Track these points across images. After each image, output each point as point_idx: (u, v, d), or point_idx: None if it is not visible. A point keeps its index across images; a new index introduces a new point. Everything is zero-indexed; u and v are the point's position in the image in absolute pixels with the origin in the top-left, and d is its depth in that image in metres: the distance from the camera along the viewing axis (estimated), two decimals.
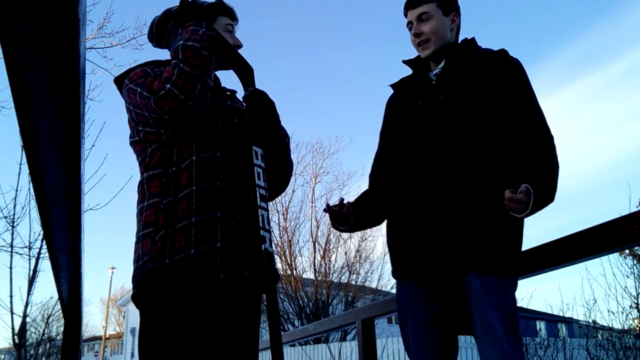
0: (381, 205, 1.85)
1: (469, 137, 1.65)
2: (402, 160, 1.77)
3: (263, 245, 1.40)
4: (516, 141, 1.64)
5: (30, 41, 0.61)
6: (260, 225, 1.42)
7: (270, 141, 1.60)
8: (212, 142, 1.47)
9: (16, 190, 4.48)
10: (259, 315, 1.50)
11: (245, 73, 1.61)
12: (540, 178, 1.55)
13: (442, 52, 1.79)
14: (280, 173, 1.65)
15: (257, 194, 1.45)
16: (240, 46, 1.66)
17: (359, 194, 1.93)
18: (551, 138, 1.65)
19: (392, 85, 1.94)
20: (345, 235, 13.83)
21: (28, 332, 5.98)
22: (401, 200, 1.74)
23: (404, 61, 1.90)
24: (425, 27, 1.77)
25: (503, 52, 1.76)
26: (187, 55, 1.38)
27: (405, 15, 1.85)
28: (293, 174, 1.76)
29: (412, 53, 1.88)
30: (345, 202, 1.79)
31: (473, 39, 1.84)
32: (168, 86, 1.35)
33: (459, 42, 1.83)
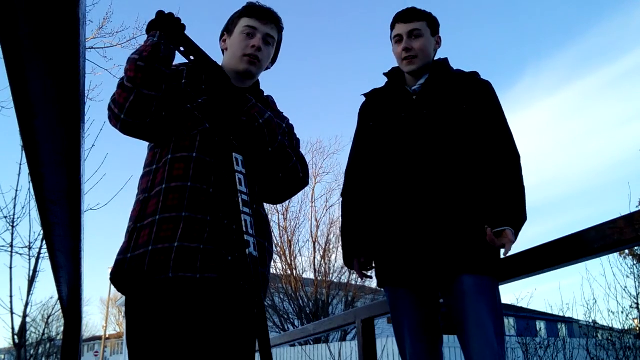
0: (366, 221, 1.89)
1: (452, 150, 1.74)
2: (387, 171, 1.82)
3: (247, 250, 1.37)
4: (490, 159, 1.76)
5: (30, 41, 0.60)
6: (244, 230, 1.39)
7: (259, 156, 1.52)
8: (191, 142, 1.46)
9: (16, 190, 4.48)
10: (225, 323, 1.39)
11: (216, 78, 1.53)
12: (515, 213, 1.65)
13: (424, 69, 1.88)
14: (278, 181, 1.57)
15: (239, 199, 1.41)
16: (255, 47, 1.57)
17: (352, 231, 1.90)
18: (518, 159, 1.78)
19: (365, 95, 2.01)
20: None
21: (28, 332, 5.97)
22: (388, 210, 1.78)
23: (384, 74, 1.99)
24: (416, 43, 1.85)
25: (476, 75, 1.88)
26: (126, 69, 1.40)
27: (393, 27, 1.89)
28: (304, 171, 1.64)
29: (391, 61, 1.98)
30: (362, 260, 1.86)
31: (446, 59, 1.94)
32: (109, 102, 1.42)
33: (435, 60, 1.93)
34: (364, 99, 2.02)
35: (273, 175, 1.54)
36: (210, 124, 1.49)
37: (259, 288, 1.35)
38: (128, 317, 1.41)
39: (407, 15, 1.86)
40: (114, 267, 1.44)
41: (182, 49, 1.49)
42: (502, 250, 1.61)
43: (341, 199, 1.99)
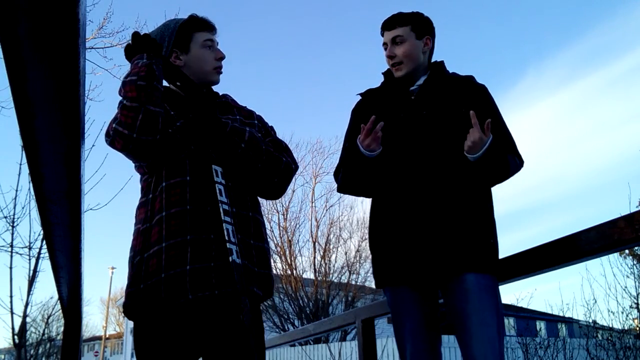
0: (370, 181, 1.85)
1: (453, 150, 1.74)
2: (386, 171, 1.81)
3: (230, 258, 1.41)
4: None
5: (30, 41, 0.60)
6: (226, 238, 1.43)
7: (252, 175, 1.56)
8: (181, 166, 1.49)
9: (16, 190, 4.49)
10: (241, 323, 1.43)
11: (194, 100, 1.58)
12: (502, 143, 1.70)
13: (416, 72, 1.88)
14: (275, 184, 1.61)
15: (220, 209, 1.45)
16: (222, 58, 1.66)
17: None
18: (521, 165, 1.80)
19: (361, 94, 2.01)
20: (345, 235, 13.82)
21: (28, 332, 5.98)
22: (389, 209, 1.78)
23: (383, 73, 1.99)
24: (399, 50, 1.86)
25: (472, 78, 1.89)
26: (126, 90, 1.42)
27: (382, 35, 1.92)
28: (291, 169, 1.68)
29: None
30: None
31: (442, 62, 1.94)
32: (114, 126, 1.41)
33: (431, 62, 1.93)
34: (359, 98, 2.02)
35: (269, 182, 1.60)
36: (194, 145, 1.52)
37: (244, 295, 1.39)
38: (141, 344, 1.44)
39: (389, 23, 1.87)
40: (127, 299, 1.48)
41: (160, 66, 1.53)
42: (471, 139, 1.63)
43: (338, 186, 1.96)
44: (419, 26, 1.87)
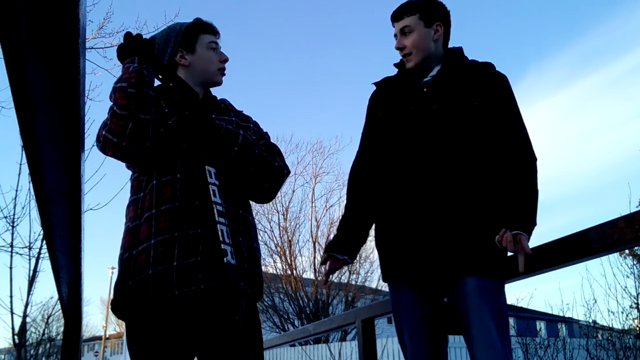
0: (366, 217, 1.88)
1: (462, 148, 1.70)
2: (395, 166, 1.79)
3: (225, 259, 1.41)
4: (504, 160, 1.71)
5: (30, 41, 0.61)
6: (220, 239, 1.43)
7: (243, 178, 1.58)
8: (172, 164, 1.50)
9: (16, 190, 4.50)
10: (236, 323, 1.43)
11: (188, 101, 1.59)
12: (528, 218, 1.61)
13: (428, 62, 1.83)
14: (266, 188, 1.63)
15: (215, 210, 1.46)
16: (226, 60, 1.69)
17: (342, 222, 1.91)
18: (535, 162, 1.72)
19: (376, 84, 1.96)
20: None
21: (28, 332, 5.98)
22: (395, 206, 1.76)
23: (395, 64, 1.93)
24: (407, 40, 1.81)
25: (491, 67, 1.81)
26: (116, 97, 1.42)
27: (393, 27, 1.88)
28: (289, 173, 1.71)
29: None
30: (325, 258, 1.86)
31: (460, 48, 1.88)
32: (104, 132, 1.42)
33: (448, 49, 1.87)
34: (374, 88, 1.97)
35: (260, 186, 1.61)
36: (186, 143, 1.52)
37: (238, 295, 1.40)
38: (133, 343, 1.44)
39: (397, 13, 1.84)
40: (115, 297, 1.48)
41: (150, 69, 1.53)
42: (519, 260, 1.57)
43: (346, 193, 1.96)
44: (427, 13, 1.81)
